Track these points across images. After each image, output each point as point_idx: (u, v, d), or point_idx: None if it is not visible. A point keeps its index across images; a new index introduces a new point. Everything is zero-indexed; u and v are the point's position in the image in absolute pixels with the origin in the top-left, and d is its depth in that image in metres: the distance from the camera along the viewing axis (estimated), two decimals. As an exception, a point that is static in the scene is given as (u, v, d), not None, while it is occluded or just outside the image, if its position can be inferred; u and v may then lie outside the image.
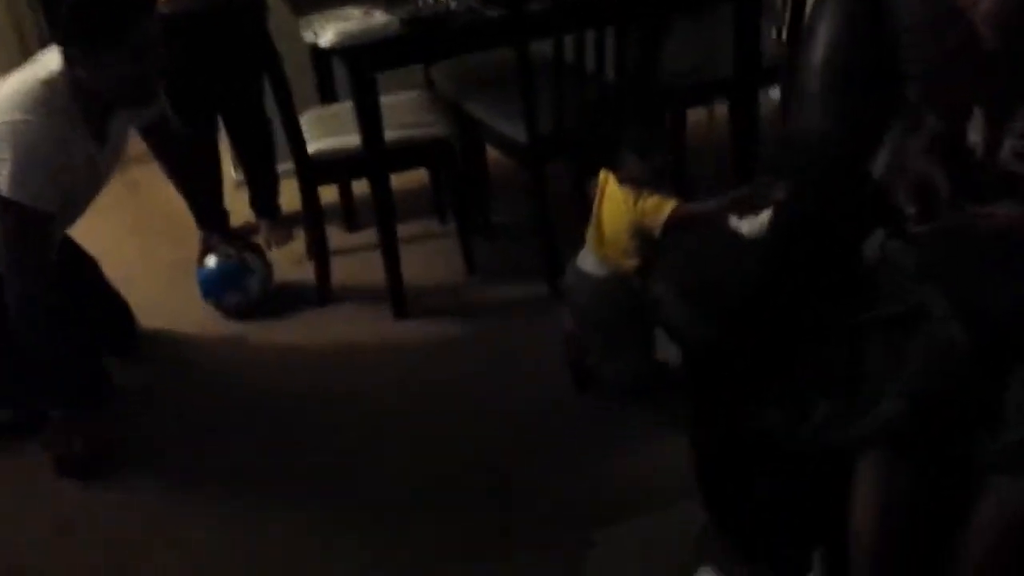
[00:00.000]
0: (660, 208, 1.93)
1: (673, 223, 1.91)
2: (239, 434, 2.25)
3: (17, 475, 2.19)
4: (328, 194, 2.91)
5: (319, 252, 2.66)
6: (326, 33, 2.21)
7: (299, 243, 3.00)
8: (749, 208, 1.73)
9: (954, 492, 1.31)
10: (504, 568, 1.81)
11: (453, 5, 2.32)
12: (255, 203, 3.11)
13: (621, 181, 1.99)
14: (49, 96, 1.96)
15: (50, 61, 2.01)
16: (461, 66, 2.76)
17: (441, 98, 2.75)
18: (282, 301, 2.74)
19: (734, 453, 1.61)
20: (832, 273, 1.62)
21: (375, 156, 2.39)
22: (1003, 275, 1.41)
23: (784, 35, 2.74)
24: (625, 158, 1.96)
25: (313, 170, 2.51)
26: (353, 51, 2.21)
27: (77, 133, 2.00)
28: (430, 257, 2.81)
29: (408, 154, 2.48)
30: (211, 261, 2.61)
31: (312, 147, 2.49)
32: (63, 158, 1.96)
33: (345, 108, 2.63)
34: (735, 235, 1.63)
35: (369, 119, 2.33)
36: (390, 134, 2.39)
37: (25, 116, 1.92)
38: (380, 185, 2.43)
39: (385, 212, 2.46)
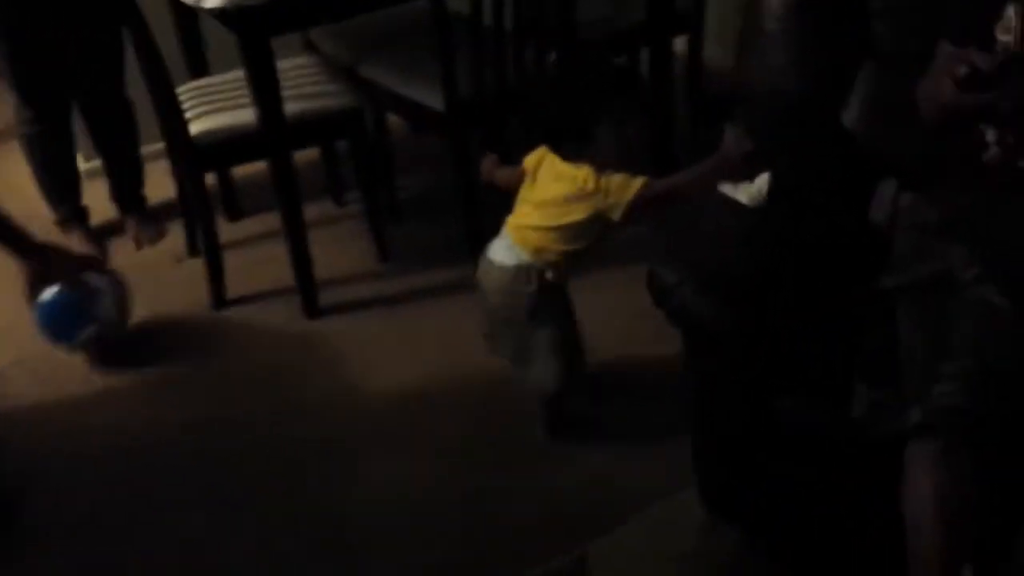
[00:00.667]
0: (625, 188, 1.63)
1: (641, 203, 1.63)
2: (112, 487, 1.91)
3: None
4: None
5: (210, 248, 2.30)
6: (211, -9, 1.87)
7: (174, 239, 2.63)
8: (734, 174, 1.54)
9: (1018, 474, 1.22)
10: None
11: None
12: (118, 197, 2.71)
13: (590, 159, 1.65)
14: None
15: None
16: (352, 27, 2.45)
17: (331, 64, 2.44)
18: (169, 307, 2.38)
19: (743, 445, 1.47)
20: (840, 237, 1.49)
21: (275, 133, 2.07)
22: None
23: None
24: (597, 132, 1.64)
25: (198, 154, 2.15)
26: (247, 12, 1.88)
27: None
28: (335, 245, 2.50)
29: (312, 129, 2.17)
30: (45, 295, 2.04)
31: (195, 127, 2.13)
32: None
33: (228, 80, 2.29)
34: (735, 205, 1.45)
35: (267, 91, 2.01)
36: (291, 107, 2.08)
37: None
38: (282, 166, 2.11)
39: (290, 197, 2.15)
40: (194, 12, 2.28)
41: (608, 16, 2.48)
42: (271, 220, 2.42)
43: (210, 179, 2.53)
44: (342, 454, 1.92)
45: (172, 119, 2.09)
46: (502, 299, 1.78)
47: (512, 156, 1.90)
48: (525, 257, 1.72)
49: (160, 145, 2.67)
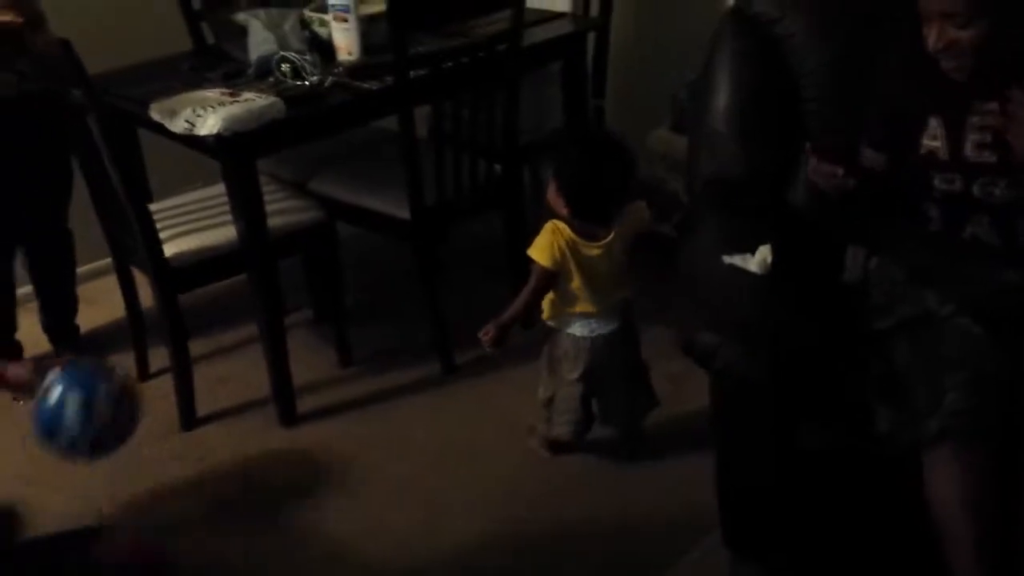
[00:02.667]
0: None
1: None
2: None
3: None
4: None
5: (181, 366, 2.31)
6: (207, 120, 1.95)
7: (120, 363, 2.58)
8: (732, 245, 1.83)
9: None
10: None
11: (323, 81, 2.18)
12: (54, 329, 2.64)
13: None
14: None
15: None
16: (295, 149, 2.57)
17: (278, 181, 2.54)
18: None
19: (768, 485, 1.68)
20: (820, 294, 1.77)
21: (260, 249, 2.15)
22: (980, 270, 1.63)
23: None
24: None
25: (174, 276, 2.18)
26: (239, 139, 1.98)
27: None
28: (294, 352, 2.57)
29: (289, 242, 2.26)
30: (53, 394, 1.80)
31: (170, 249, 2.17)
32: None
33: (194, 200, 2.35)
34: (745, 273, 1.69)
35: (252, 209, 2.10)
36: (272, 222, 2.17)
37: None
38: (266, 279, 2.19)
39: (272, 309, 2.22)
40: (135, 137, 2.35)
41: (536, 126, 2.74)
42: (219, 338, 2.50)
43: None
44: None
45: (150, 241, 2.12)
46: (602, 359, 2.03)
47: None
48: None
49: (92, 265, 2.68)
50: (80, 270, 2.66)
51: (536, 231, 2.03)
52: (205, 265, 2.20)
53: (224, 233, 2.19)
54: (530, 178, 3.14)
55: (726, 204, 1.97)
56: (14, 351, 2.57)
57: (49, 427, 1.63)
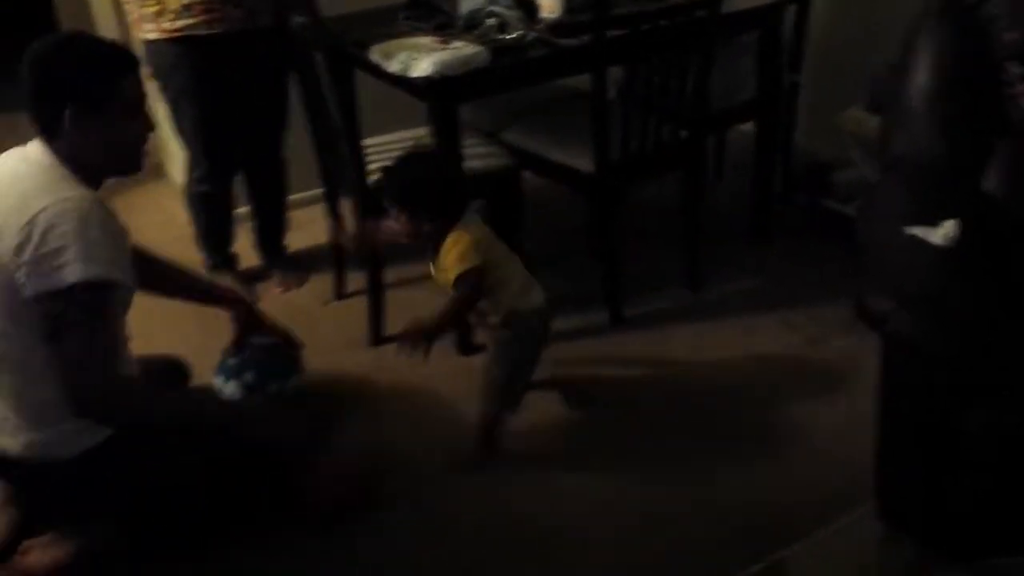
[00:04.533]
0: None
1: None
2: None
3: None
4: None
5: (374, 287, 2.54)
6: (420, 63, 2.13)
7: (319, 283, 2.86)
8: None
9: None
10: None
11: (525, 35, 2.31)
12: (265, 246, 2.95)
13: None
14: (60, 176, 1.70)
15: (27, 152, 1.75)
16: (492, 99, 2.74)
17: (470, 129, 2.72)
18: (327, 344, 2.60)
19: (929, 459, 1.69)
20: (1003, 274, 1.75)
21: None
22: None
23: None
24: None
25: (377, 203, 2.39)
26: (448, 82, 2.15)
27: (97, 199, 1.74)
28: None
29: (479, 185, 2.42)
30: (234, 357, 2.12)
31: (373, 178, 2.38)
32: (111, 227, 1.73)
33: (402, 138, 2.56)
34: (927, 243, 1.70)
35: (451, 150, 2.27)
36: (465, 164, 2.34)
37: (58, 196, 1.66)
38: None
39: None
40: (350, 76, 2.56)
41: (726, 93, 2.78)
42: (408, 269, 2.71)
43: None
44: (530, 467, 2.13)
45: (358, 170, 2.34)
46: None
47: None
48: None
49: (307, 193, 2.95)
50: (291, 197, 2.96)
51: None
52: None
53: (423, 170, 2.38)
54: (714, 145, 3.19)
55: (915, 180, 1.96)
56: (230, 261, 2.90)
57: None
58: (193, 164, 2.70)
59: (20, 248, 1.63)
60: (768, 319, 2.63)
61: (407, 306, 2.69)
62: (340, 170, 2.49)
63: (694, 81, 2.47)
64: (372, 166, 2.40)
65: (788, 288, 2.77)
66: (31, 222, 1.63)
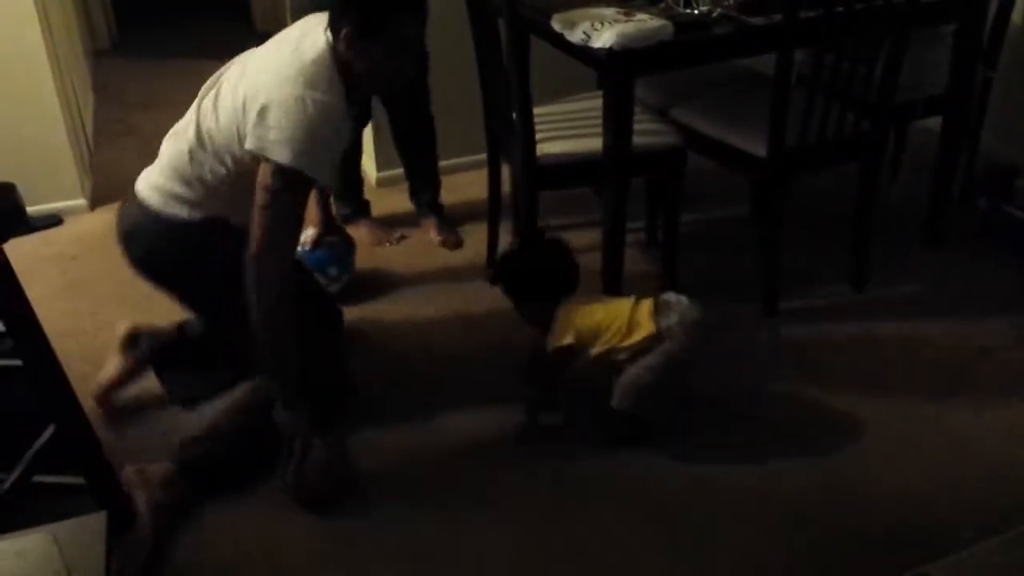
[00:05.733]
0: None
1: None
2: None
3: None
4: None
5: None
6: (603, 34, 2.11)
7: (478, 247, 2.90)
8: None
9: None
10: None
11: (712, 11, 2.25)
12: (415, 200, 3.05)
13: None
14: (329, 75, 1.89)
15: (315, 37, 1.93)
16: (665, 74, 2.68)
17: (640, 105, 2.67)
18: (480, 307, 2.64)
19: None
20: None
21: (620, 162, 2.30)
22: None
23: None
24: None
25: (539, 174, 2.40)
26: (631, 53, 2.12)
27: (343, 107, 1.94)
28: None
29: (644, 162, 2.40)
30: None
31: (541, 150, 2.38)
32: (337, 133, 1.91)
33: (569, 110, 2.55)
34: None
35: (622, 125, 2.24)
36: (634, 140, 2.31)
37: (308, 91, 1.85)
38: (619, 192, 2.34)
39: (618, 220, 2.37)
40: (526, 43, 2.55)
41: (914, 84, 2.64)
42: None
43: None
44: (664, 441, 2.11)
45: (527, 140, 2.35)
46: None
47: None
48: None
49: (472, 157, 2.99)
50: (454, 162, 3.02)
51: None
52: (567, 169, 2.39)
53: (590, 143, 2.36)
54: (894, 140, 3.04)
55: None
56: (362, 211, 3.01)
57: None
58: None
59: (261, 113, 1.84)
60: (934, 325, 2.50)
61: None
62: (508, 136, 2.50)
63: (883, 69, 2.35)
64: (540, 135, 2.40)
65: (959, 295, 2.62)
66: (279, 102, 1.83)
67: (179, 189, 2.00)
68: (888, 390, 2.28)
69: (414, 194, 3.05)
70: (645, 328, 2.03)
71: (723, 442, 2.14)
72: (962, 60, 2.62)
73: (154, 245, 2.02)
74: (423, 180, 3.02)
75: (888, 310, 2.57)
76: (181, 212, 2.00)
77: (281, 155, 1.83)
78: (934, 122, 2.79)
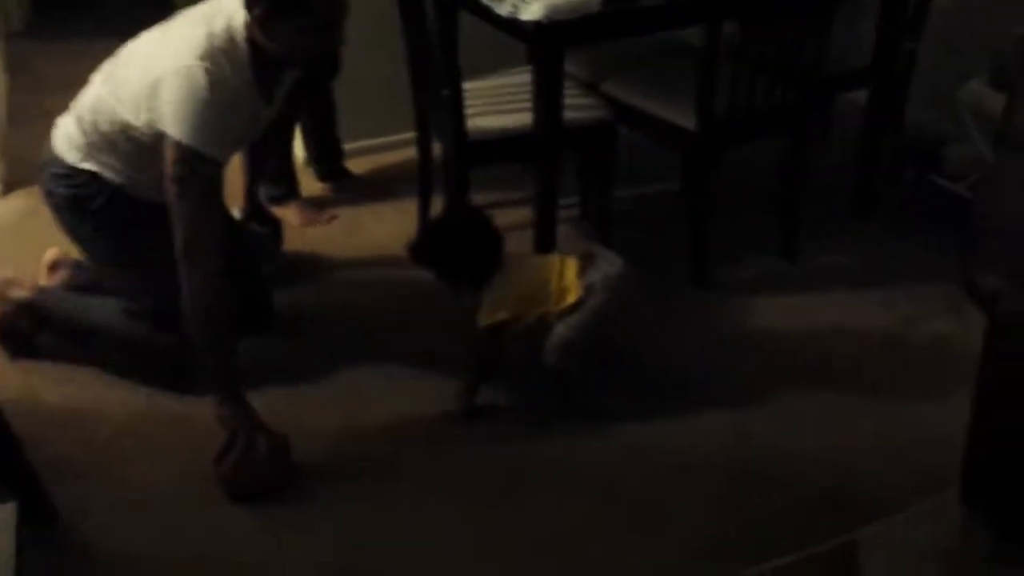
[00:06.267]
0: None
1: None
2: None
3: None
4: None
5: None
6: (531, 6, 2.07)
7: (407, 223, 2.83)
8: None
9: None
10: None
11: (638, -17, 2.23)
12: (322, 159, 3.04)
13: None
14: (229, 47, 1.88)
15: (232, 11, 1.90)
16: (594, 48, 2.66)
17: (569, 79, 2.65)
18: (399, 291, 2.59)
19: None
20: None
21: (551, 138, 2.27)
22: None
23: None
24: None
25: (469, 149, 2.36)
26: (555, 27, 2.08)
27: (249, 88, 1.92)
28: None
29: (574, 137, 2.37)
30: None
31: (470, 125, 2.34)
32: (235, 110, 1.88)
33: (495, 84, 2.51)
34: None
35: (552, 99, 2.21)
36: (564, 115, 2.28)
37: (203, 62, 1.83)
38: (549, 167, 2.31)
39: (548, 197, 2.35)
40: (454, 18, 2.50)
41: (840, 57, 2.65)
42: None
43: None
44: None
45: (455, 115, 2.30)
46: None
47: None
48: None
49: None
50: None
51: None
52: (496, 145, 2.36)
53: (520, 118, 2.33)
54: (821, 112, 3.06)
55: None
56: (292, 189, 2.93)
57: None
58: None
59: (156, 86, 1.84)
60: (864, 295, 2.53)
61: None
62: (437, 112, 2.45)
63: (812, 42, 2.36)
64: (469, 110, 2.36)
65: (888, 265, 2.66)
66: (173, 72, 1.82)
67: (85, 150, 2.01)
68: (821, 359, 2.30)
69: (319, 153, 3.04)
70: (573, 293, 2.02)
71: (660, 412, 2.13)
72: (887, 31, 2.64)
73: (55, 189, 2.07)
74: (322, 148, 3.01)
75: (819, 281, 2.59)
76: (86, 165, 2.02)
77: (174, 128, 1.81)
78: (861, 95, 2.82)
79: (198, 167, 1.83)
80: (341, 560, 1.80)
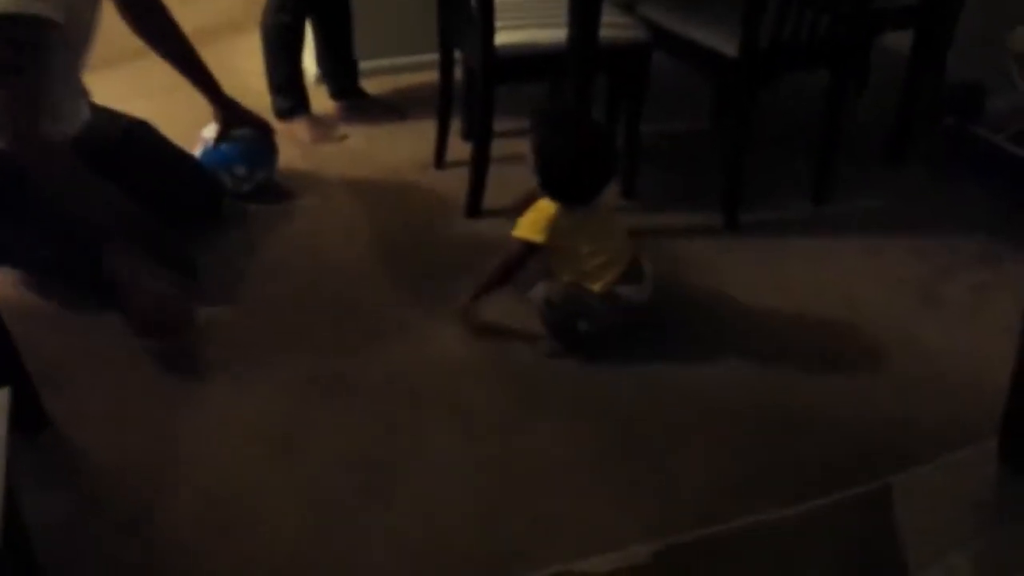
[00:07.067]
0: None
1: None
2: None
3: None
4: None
5: (480, 158, 2.39)
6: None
7: (425, 148, 2.72)
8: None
9: None
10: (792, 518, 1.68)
11: None
12: (337, 92, 2.94)
13: None
14: None
15: None
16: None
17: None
18: (422, 212, 2.49)
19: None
20: None
21: (584, 54, 2.15)
22: None
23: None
24: None
25: (497, 65, 2.23)
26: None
27: None
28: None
29: (608, 57, 2.25)
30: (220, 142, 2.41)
31: (500, 39, 2.21)
32: None
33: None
34: None
35: (590, 14, 2.08)
36: (600, 33, 2.15)
37: None
38: (583, 87, 2.19)
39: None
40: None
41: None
42: (514, 143, 2.44)
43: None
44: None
45: (484, 27, 2.17)
46: None
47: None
48: None
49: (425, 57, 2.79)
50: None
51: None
52: (527, 61, 2.24)
53: (552, 34, 2.21)
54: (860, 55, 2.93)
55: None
56: (302, 103, 2.81)
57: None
58: None
59: None
60: (895, 243, 2.43)
61: (508, 182, 2.57)
62: (464, 25, 2.32)
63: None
64: (499, 23, 2.23)
65: (921, 214, 2.56)
66: None
67: None
68: (852, 305, 2.21)
69: (332, 86, 2.93)
70: (600, 284, 1.95)
71: (684, 355, 2.04)
72: (937, -31, 2.52)
73: None
74: (337, 68, 2.90)
75: (850, 225, 2.49)
76: None
77: None
78: (902, 41, 2.69)
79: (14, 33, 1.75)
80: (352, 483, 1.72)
